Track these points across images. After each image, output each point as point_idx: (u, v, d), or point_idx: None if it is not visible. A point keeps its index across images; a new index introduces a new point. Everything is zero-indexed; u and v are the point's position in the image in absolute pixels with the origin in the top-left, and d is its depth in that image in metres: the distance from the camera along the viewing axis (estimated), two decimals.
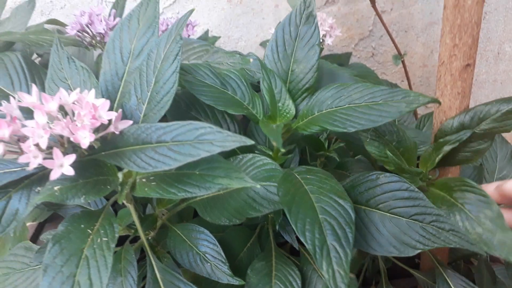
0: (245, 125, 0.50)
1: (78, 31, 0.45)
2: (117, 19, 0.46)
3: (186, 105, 0.44)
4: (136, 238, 0.46)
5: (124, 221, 0.42)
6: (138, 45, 0.38)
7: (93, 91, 0.32)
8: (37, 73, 0.41)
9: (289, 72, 0.44)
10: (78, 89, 0.32)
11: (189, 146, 0.29)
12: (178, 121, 0.30)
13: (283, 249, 0.50)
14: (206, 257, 0.42)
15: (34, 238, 0.70)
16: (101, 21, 0.44)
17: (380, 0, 0.65)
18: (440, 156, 0.41)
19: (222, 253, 0.41)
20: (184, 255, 0.42)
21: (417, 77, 0.84)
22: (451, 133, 0.40)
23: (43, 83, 0.41)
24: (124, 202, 0.39)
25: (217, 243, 0.42)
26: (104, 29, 0.44)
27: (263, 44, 0.77)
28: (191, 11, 0.33)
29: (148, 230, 0.46)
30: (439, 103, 0.40)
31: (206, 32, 0.74)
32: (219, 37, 0.71)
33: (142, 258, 0.47)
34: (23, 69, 0.41)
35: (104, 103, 0.31)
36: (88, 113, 0.30)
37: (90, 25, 0.45)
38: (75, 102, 0.31)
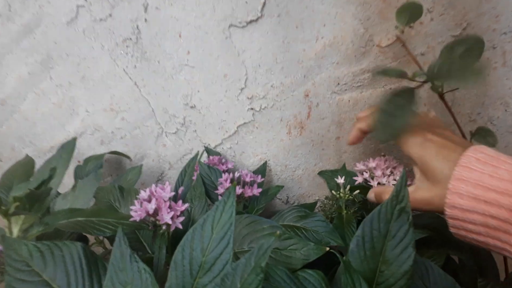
0: None
1: (142, 219, 0.42)
2: (186, 204, 0.43)
3: None
4: None
5: None
6: (210, 257, 0.34)
7: None
8: (96, 269, 0.38)
9: (377, 272, 0.38)
10: None
11: None
12: None
13: None
14: None
15: None
16: (169, 208, 0.41)
17: None
18: None
19: None
20: None
21: None
22: None
23: (100, 280, 0.38)
24: None
25: None
26: (171, 217, 0.41)
27: (321, 173, 0.73)
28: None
29: None
30: None
31: (264, 164, 0.71)
32: (282, 186, 0.67)
33: None
34: (81, 264, 0.38)
35: None
36: None
37: (158, 211, 0.41)
38: None
